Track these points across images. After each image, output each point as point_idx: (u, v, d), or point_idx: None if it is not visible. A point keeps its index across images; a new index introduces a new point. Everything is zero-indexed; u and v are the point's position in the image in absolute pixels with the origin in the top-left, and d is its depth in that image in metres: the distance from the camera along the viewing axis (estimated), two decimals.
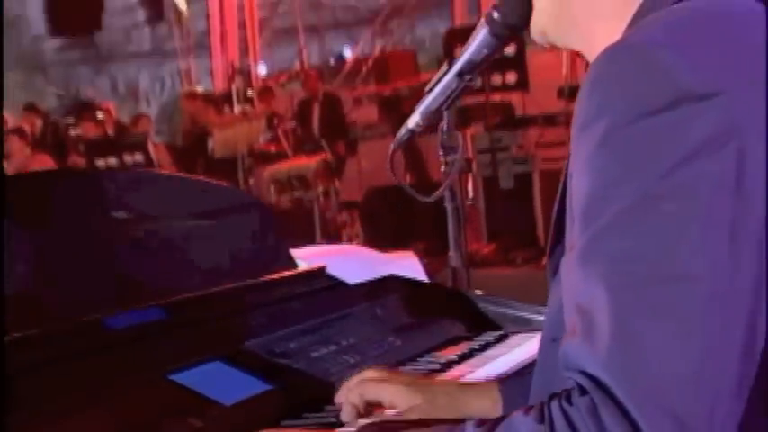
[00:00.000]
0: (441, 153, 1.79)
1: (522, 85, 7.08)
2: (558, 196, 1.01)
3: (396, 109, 8.37)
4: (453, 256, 1.99)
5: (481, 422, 0.88)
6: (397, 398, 1.16)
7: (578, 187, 0.87)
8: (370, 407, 1.20)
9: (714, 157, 0.81)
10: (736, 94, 0.83)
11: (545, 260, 1.08)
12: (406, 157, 7.58)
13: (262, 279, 1.59)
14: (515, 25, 1.18)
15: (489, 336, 1.78)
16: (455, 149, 1.74)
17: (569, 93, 6.90)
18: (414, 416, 1.11)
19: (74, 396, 1.16)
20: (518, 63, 6.90)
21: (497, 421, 0.87)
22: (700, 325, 0.80)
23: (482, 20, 1.21)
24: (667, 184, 0.81)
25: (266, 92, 9.84)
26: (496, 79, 6.85)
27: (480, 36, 1.23)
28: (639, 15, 0.96)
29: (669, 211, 0.81)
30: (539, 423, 0.83)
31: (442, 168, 1.83)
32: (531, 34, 1.09)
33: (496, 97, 7.40)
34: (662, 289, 0.80)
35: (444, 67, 1.28)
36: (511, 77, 6.90)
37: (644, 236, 0.81)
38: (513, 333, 1.81)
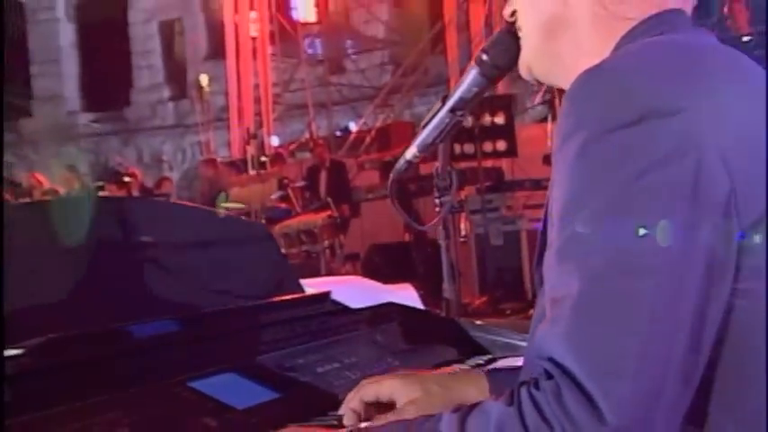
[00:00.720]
0: (435, 194, 1.81)
1: (511, 152, 7.15)
2: (543, 215, 1.03)
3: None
4: (447, 289, 2.00)
5: (456, 409, 0.89)
6: (396, 392, 1.15)
7: (558, 192, 0.90)
8: (371, 409, 1.20)
9: (674, 167, 0.84)
10: (695, 111, 0.86)
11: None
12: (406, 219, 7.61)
13: (273, 300, 1.60)
14: (502, 66, 1.21)
15: (479, 359, 1.78)
16: (448, 190, 1.77)
17: None
18: (412, 408, 1.10)
19: (102, 394, 1.17)
20: (508, 132, 7.00)
21: (471, 407, 0.88)
22: (653, 314, 0.82)
23: (472, 61, 1.25)
24: (632, 190, 0.84)
25: (278, 158, 9.96)
26: (488, 146, 6.92)
27: (471, 76, 1.26)
28: (616, 50, 1.01)
29: (632, 214, 0.84)
30: (508, 405, 0.84)
31: (437, 209, 1.85)
32: (519, 71, 1.13)
33: (488, 163, 7.46)
34: (623, 282, 0.82)
35: (438, 104, 1.31)
36: (501, 145, 6.97)
37: (611, 235, 0.84)
38: (501, 357, 1.81)
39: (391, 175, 1.44)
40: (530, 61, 1.09)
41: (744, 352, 0.88)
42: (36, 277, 1.26)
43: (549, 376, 0.82)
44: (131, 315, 1.34)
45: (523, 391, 0.84)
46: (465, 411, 0.88)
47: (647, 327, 0.81)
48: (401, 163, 1.39)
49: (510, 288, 6.72)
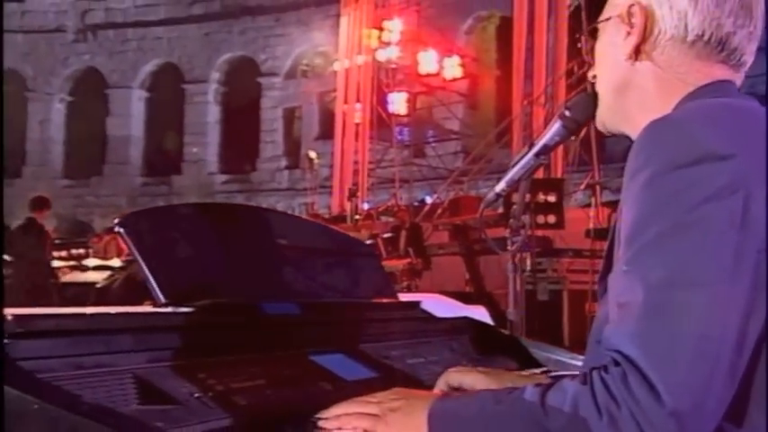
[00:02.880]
0: (508, 234, 1.81)
1: (559, 225, 7.06)
2: (608, 240, 1.03)
3: (463, 234, 8.41)
4: (512, 312, 1.98)
5: (538, 384, 0.89)
6: (477, 382, 1.15)
7: (626, 218, 0.90)
8: (454, 391, 1.19)
9: (727, 200, 0.84)
10: (746, 156, 0.86)
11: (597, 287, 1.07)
12: (470, 273, 7.55)
13: (375, 301, 1.62)
14: (581, 120, 1.22)
15: (535, 370, 1.75)
16: (519, 232, 1.76)
17: (594, 234, 6.85)
18: None
19: (244, 353, 1.20)
20: (557, 209, 6.94)
21: (551, 384, 0.87)
22: (705, 319, 0.81)
23: (556, 116, 1.26)
24: (691, 217, 0.83)
25: (368, 217, 10.08)
26: (540, 219, 6.86)
27: (555, 128, 1.27)
28: (676, 109, 1.01)
29: (691, 236, 0.83)
30: (582, 385, 0.84)
31: (509, 247, 1.85)
32: (596, 124, 1.13)
33: (539, 232, 7.39)
34: (681, 291, 0.82)
35: (525, 149, 1.32)
36: (551, 218, 6.91)
37: (671, 252, 0.83)
38: (554, 371, 1.77)
39: (482, 205, 1.45)
40: (604, 116, 1.10)
41: None
42: (210, 260, 1.32)
43: (617, 364, 0.82)
44: (270, 296, 1.38)
45: (595, 373, 0.83)
46: (546, 386, 0.87)
47: (700, 328, 0.80)
48: (491, 195, 1.40)
49: (552, 337, 6.54)
